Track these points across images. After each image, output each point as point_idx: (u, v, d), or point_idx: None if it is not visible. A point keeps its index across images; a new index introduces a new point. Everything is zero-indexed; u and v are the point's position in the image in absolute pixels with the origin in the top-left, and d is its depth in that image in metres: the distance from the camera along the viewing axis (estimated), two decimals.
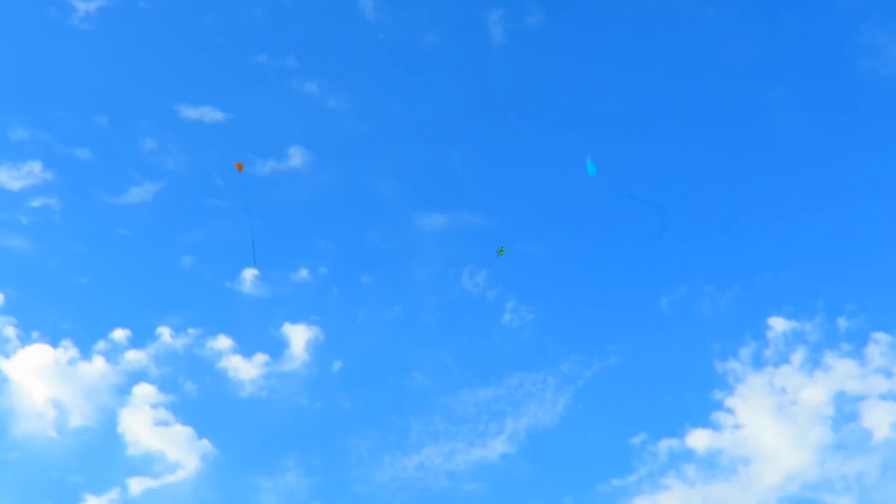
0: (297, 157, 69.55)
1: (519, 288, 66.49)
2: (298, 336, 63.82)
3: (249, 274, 65.68)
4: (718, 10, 73.38)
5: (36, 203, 66.37)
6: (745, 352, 62.31)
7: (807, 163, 70.08)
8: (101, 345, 62.51)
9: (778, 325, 62.63)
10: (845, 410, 59.54)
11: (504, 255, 64.81)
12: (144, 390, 61.24)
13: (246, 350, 63.41)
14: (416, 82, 73.81)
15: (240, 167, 55.27)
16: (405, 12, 74.33)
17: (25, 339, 62.18)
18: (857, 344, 61.58)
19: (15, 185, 66.33)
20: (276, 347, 63.77)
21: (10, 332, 62.19)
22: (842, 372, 60.69)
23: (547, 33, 73.88)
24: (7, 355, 61.61)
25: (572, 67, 74.06)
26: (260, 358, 63.13)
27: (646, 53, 73.76)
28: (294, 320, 64.55)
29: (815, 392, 60.08)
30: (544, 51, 74.16)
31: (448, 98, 73.53)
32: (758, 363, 61.96)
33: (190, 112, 69.89)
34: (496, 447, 60.59)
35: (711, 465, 59.01)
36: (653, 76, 72.89)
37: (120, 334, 62.82)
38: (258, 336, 64.50)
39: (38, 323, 63.05)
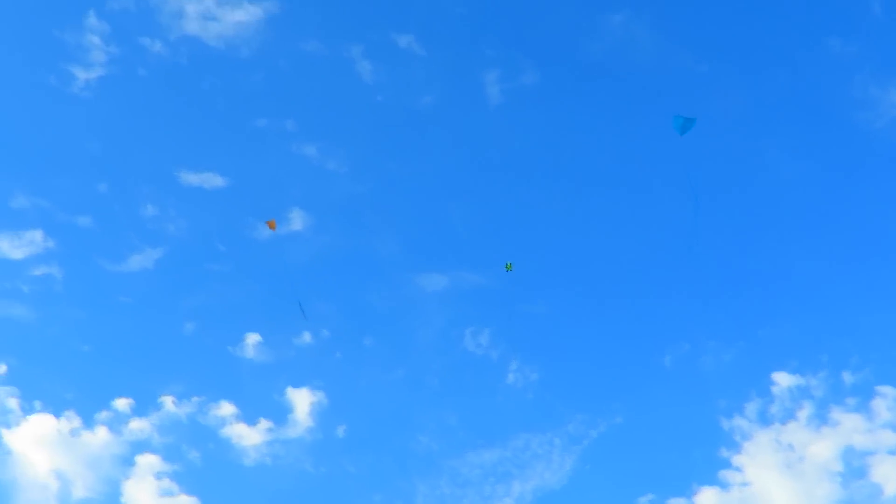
0: (297, 220, 69.85)
1: (522, 348, 66.44)
2: (302, 401, 63.72)
3: (252, 339, 65.67)
4: (711, 66, 74.15)
5: (37, 272, 66.48)
6: (751, 408, 62.25)
7: (806, 216, 70.51)
8: (103, 414, 62.41)
9: (783, 380, 62.59)
10: (854, 466, 59.43)
11: (506, 316, 65.15)
12: (148, 460, 61.05)
13: (249, 417, 63.29)
14: (415, 143, 74.38)
15: (272, 225, 55.30)
16: (402, 74, 74.87)
17: (28, 410, 62.04)
18: (863, 398, 61.59)
19: (17, 253, 66.47)
20: (280, 413, 63.64)
21: (13, 402, 62.05)
22: (849, 427, 60.62)
23: (543, 92, 74.49)
24: (10, 426, 61.42)
25: (569, 125, 74.74)
26: (264, 424, 62.99)
27: (640, 110, 74.32)
28: (297, 385, 64.51)
29: (823, 448, 59.99)
30: (541, 109, 74.84)
31: (446, 158, 74.08)
32: (764, 420, 61.92)
33: (190, 177, 70.24)
34: None
35: None
36: (648, 133, 73.28)
37: (123, 403, 62.70)
38: (262, 402, 64.40)
39: (41, 393, 62.91)
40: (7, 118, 71.65)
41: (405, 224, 72.17)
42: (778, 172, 71.71)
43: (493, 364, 65.60)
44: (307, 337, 66.09)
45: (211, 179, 70.18)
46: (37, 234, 67.03)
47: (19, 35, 72.83)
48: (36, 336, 65.52)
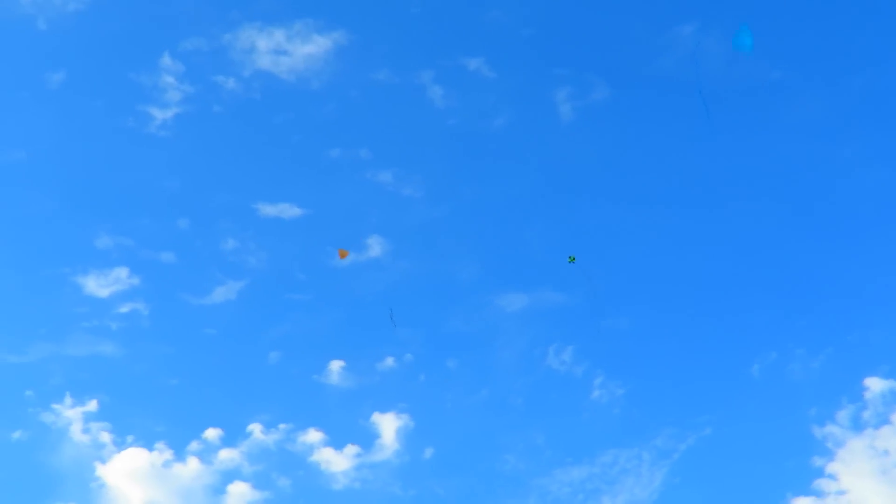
0: (375, 246, 70.25)
1: (606, 363, 65.98)
2: (388, 425, 63.93)
3: (336, 366, 66.05)
4: (784, 73, 73.35)
5: (124, 308, 67.68)
6: (843, 415, 61.13)
7: (888, 219, 69.22)
8: (194, 445, 63.17)
9: (875, 385, 61.40)
10: None
11: (589, 332, 64.86)
12: (239, 489, 61.57)
13: (337, 442, 63.59)
14: (488, 165, 74.44)
15: (343, 255, 56.07)
16: (473, 97, 75.19)
17: (120, 444, 63.05)
18: None
19: (103, 292, 67.79)
20: (367, 438, 63.88)
21: (105, 437, 63.13)
22: None
23: (615, 107, 74.28)
24: (103, 461, 62.45)
25: (643, 139, 74.24)
26: (351, 449, 63.25)
27: (714, 119, 73.58)
28: (383, 409, 64.69)
29: None
30: (613, 124, 74.56)
31: (521, 178, 73.96)
32: (857, 426, 60.75)
33: (268, 209, 71.11)
34: None
35: None
36: (723, 144, 72.71)
37: (212, 434, 63.41)
38: (348, 427, 64.58)
39: (132, 427, 63.84)
40: (89, 161, 73.37)
41: (483, 246, 72.38)
42: (861, 177, 70.83)
43: (578, 381, 65.39)
44: (390, 361, 66.49)
45: (288, 210, 71.19)
46: (122, 272, 68.50)
47: (97, 79, 74.67)
48: (125, 371, 66.58)
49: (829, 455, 59.85)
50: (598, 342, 65.38)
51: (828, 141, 71.98)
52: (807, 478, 59.67)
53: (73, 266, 68.59)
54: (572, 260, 55.10)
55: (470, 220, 73.21)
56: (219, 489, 61.78)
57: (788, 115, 72.63)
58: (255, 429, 63.63)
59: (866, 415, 60.67)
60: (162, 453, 62.68)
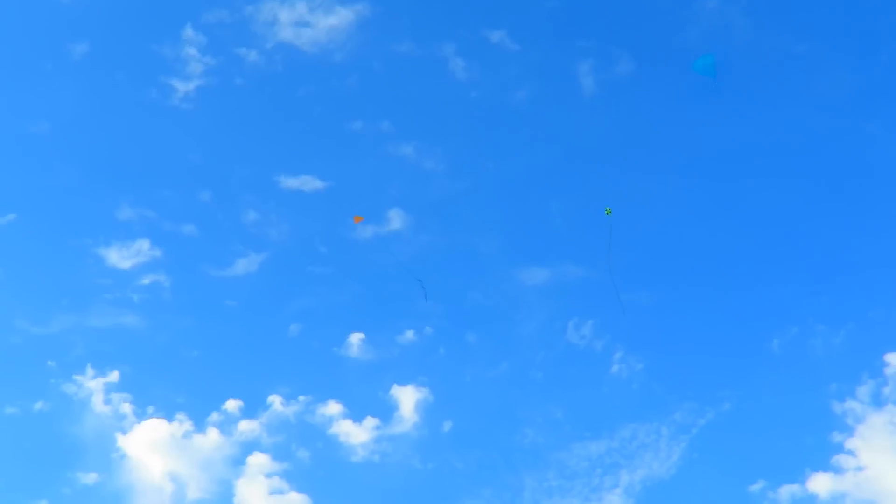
0: (396, 219, 70.32)
1: (626, 338, 65.83)
2: (407, 398, 64.09)
3: (356, 338, 66.24)
4: (810, 46, 72.71)
5: (146, 280, 68.15)
6: (863, 391, 60.82)
7: None
8: (214, 416, 63.61)
9: None
10: None
11: (610, 306, 64.72)
12: (258, 460, 61.94)
13: (356, 414, 63.86)
14: (510, 138, 74.30)
15: (358, 220, 56.59)
16: (495, 70, 75.06)
17: (141, 415, 63.51)
18: None
19: (125, 264, 68.24)
20: (386, 410, 64.11)
21: (127, 408, 63.64)
22: None
23: (638, 80, 73.94)
24: (125, 431, 63.01)
25: (666, 113, 73.90)
26: (370, 422, 63.48)
27: (738, 94, 73.15)
28: (402, 382, 64.87)
29: None
30: (636, 98, 74.24)
31: (543, 151, 73.84)
32: (877, 402, 60.45)
33: (290, 182, 71.30)
34: (612, 501, 59.82)
35: None
36: (748, 117, 72.26)
37: (232, 405, 63.77)
38: (368, 400, 64.86)
39: (153, 398, 64.36)
40: (111, 133, 73.88)
41: (504, 219, 72.36)
42: (886, 152, 70.15)
43: (598, 355, 65.38)
44: (410, 334, 66.64)
45: (310, 183, 71.33)
46: (144, 244, 68.89)
47: (120, 51, 75.42)
48: (146, 343, 67.17)
49: (849, 431, 59.77)
50: (618, 317, 65.30)
51: (852, 115, 71.55)
52: (826, 453, 59.69)
53: (96, 238, 69.29)
54: (609, 212, 55.10)
55: (491, 193, 73.33)
56: (238, 460, 62.36)
57: (813, 88, 72.30)
58: (275, 400, 64.10)
59: (887, 391, 60.47)
60: (182, 424, 63.27)
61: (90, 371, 64.37)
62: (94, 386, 63.89)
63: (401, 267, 65.31)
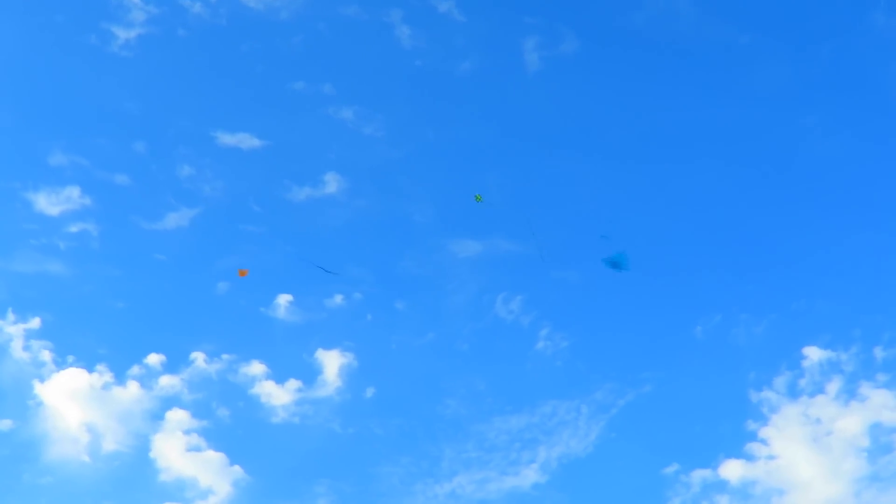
0: (332, 183, 69.90)
1: (553, 315, 66.27)
2: (332, 362, 64.09)
3: (283, 300, 66.04)
4: (753, 37, 73.10)
5: (74, 228, 67.17)
6: (780, 381, 61.83)
7: (844, 190, 69.61)
8: (135, 370, 63.11)
9: (814, 354, 62.09)
10: (881, 442, 58.83)
11: (538, 282, 65.14)
12: (177, 416, 61.70)
13: (279, 376, 63.74)
14: (451, 109, 74.07)
15: (243, 273, 56.30)
16: (440, 40, 74.49)
17: (61, 364, 62.91)
18: (894, 374, 60.90)
19: (54, 210, 67.18)
20: (310, 373, 64.07)
21: (46, 356, 62.93)
22: (878, 402, 59.98)
23: (582, 60, 73.73)
24: (42, 379, 62.36)
25: (608, 95, 73.95)
26: (293, 384, 63.42)
27: (680, 80, 73.66)
28: (328, 346, 64.78)
29: (851, 423, 59.43)
30: (579, 78, 74.00)
31: (483, 125, 73.75)
32: (793, 393, 61.42)
33: (227, 138, 70.45)
34: (528, 476, 60.42)
35: (745, 496, 58.51)
36: (687, 104, 72.72)
37: (154, 359, 63.35)
38: (292, 362, 64.75)
39: (74, 347, 63.75)
40: (47, 76, 72.32)
41: (440, 190, 72.08)
42: (816, 145, 70.82)
43: (524, 331, 65.70)
44: (339, 299, 66.59)
45: (247, 141, 70.53)
46: (74, 192, 67.83)
47: None
48: (71, 291, 66.42)
49: (763, 420, 60.76)
50: (547, 293, 65.86)
51: (791, 108, 72.18)
52: (740, 441, 60.53)
53: (24, 182, 68.05)
54: (479, 199, 55.12)
55: (429, 163, 73.15)
56: (157, 415, 62.09)
57: (754, 79, 72.62)
58: (198, 357, 63.75)
59: (802, 383, 61.55)
60: (102, 375, 62.79)
61: (11, 316, 63.67)
62: (13, 331, 63.22)
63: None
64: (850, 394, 60.43)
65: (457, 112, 74.00)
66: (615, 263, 50.51)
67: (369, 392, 63.76)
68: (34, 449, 60.24)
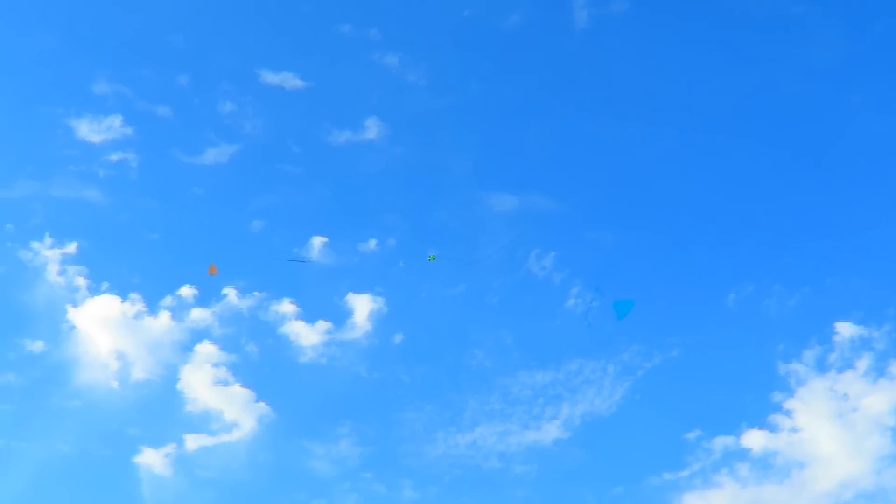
0: (372, 128, 69.89)
1: (585, 274, 66.16)
2: (362, 306, 64.33)
3: (318, 241, 66.24)
4: (807, 8, 72.28)
5: (114, 157, 67.59)
6: (809, 355, 61.55)
7: (887, 169, 68.88)
8: (167, 300, 63.72)
9: (845, 330, 61.68)
10: None
11: (573, 241, 65.03)
12: (207, 349, 62.28)
13: (309, 316, 64.11)
14: (497, 62, 73.76)
15: (213, 271, 56.11)
16: None
17: (95, 290, 63.59)
18: None
19: (95, 138, 67.55)
20: (340, 316, 64.36)
21: (81, 281, 63.62)
22: None
23: (632, 20, 73.17)
24: (76, 304, 63.11)
25: (656, 57, 73.44)
26: (322, 325, 63.76)
27: (729, 49, 72.92)
28: (359, 290, 64.99)
29: (878, 401, 59.10)
30: (628, 38, 73.51)
31: (527, 79, 73.35)
32: (821, 367, 61.11)
33: (270, 77, 70.49)
34: (550, 431, 60.65)
35: (765, 465, 58.54)
36: (734, 72, 71.99)
37: (187, 291, 63.83)
38: (322, 303, 65.08)
39: (108, 275, 64.44)
40: (95, 4, 72.70)
41: (479, 141, 72.13)
42: (865, 124, 70.05)
43: (555, 288, 65.63)
44: (372, 244, 66.68)
45: (290, 81, 70.53)
46: (116, 121, 68.15)
47: None
48: (107, 219, 67.14)
49: (789, 392, 60.49)
50: (580, 252, 65.80)
51: (838, 83, 71.33)
52: (764, 411, 60.39)
53: (67, 108, 68.63)
54: (432, 258, 55.42)
55: (470, 114, 73.04)
56: (187, 346, 62.69)
57: (804, 51, 71.87)
58: (230, 292, 64.20)
59: (832, 357, 61.21)
60: (135, 304, 63.40)
61: (48, 240, 64.37)
62: (50, 255, 63.88)
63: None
64: (879, 372, 60.20)
65: (502, 65, 73.91)
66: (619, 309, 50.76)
67: (397, 338, 64.19)
68: (64, 372, 61.20)
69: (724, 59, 72.67)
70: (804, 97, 71.12)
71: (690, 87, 72.77)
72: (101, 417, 60.04)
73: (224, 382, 61.12)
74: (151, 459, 58.30)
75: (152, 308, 63.26)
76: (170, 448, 58.81)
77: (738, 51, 72.70)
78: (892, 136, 69.26)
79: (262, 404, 60.72)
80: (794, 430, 59.23)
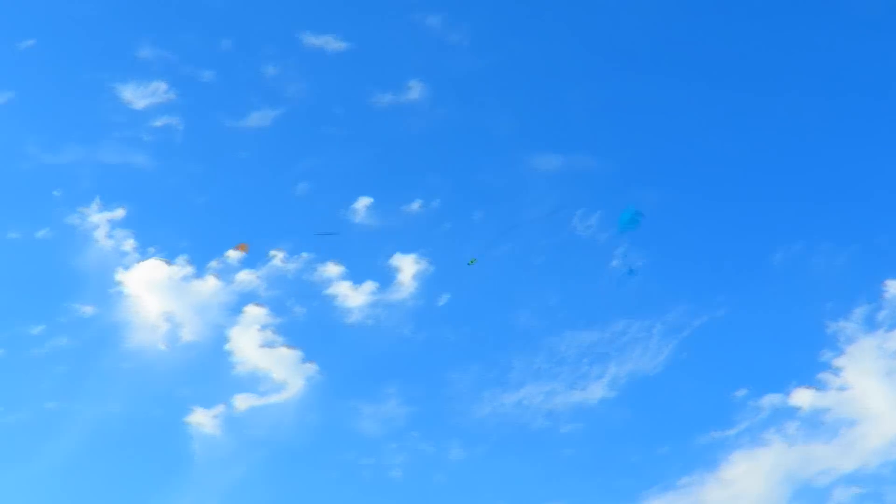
0: (415, 90, 69.64)
1: (631, 234, 65.66)
2: (407, 267, 64.45)
3: (363, 203, 66.28)
4: None
5: (159, 122, 67.88)
6: (858, 313, 60.96)
7: None
8: (214, 263, 64.18)
9: (894, 288, 61.11)
10: None
11: (617, 200, 64.73)
12: (254, 311, 62.68)
13: (355, 277, 64.31)
14: (540, 21, 73.13)
15: (243, 248, 56.15)
16: None
17: (143, 254, 64.18)
18: None
19: (140, 103, 67.80)
20: (385, 277, 64.51)
21: (129, 245, 64.22)
22: None
23: None
24: (125, 268, 63.69)
25: (702, 17, 72.77)
26: (368, 286, 63.97)
27: (780, 6, 72.11)
28: (404, 251, 65.10)
29: None
30: (678, 2, 72.97)
31: (571, 39, 72.83)
32: (870, 325, 60.58)
33: (313, 39, 70.39)
34: (596, 391, 60.60)
35: (814, 424, 58.18)
36: (782, 30, 71.17)
37: (233, 255, 64.04)
38: (368, 265, 65.26)
39: (156, 238, 64.97)
40: None
41: (524, 102, 71.73)
42: None
43: (600, 247, 65.28)
44: (417, 205, 66.67)
45: (333, 43, 70.40)
46: (161, 86, 68.33)
47: None
48: (155, 184, 67.55)
49: (838, 350, 60.06)
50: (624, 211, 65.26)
51: (889, 36, 70.31)
52: (812, 369, 59.98)
53: (113, 73, 68.86)
54: (473, 262, 55.04)
55: (514, 74, 72.50)
56: (234, 309, 63.16)
57: (854, 5, 70.82)
58: (276, 255, 64.51)
59: (881, 315, 60.67)
60: (182, 267, 63.94)
61: (96, 205, 64.90)
62: (99, 220, 64.48)
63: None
64: None
65: (545, 25, 73.24)
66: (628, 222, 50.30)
67: (443, 299, 64.28)
68: (115, 335, 61.83)
69: (771, 14, 71.94)
70: (855, 50, 70.35)
71: (737, 43, 72.15)
72: (152, 379, 60.86)
73: (272, 344, 61.72)
74: (202, 420, 59.06)
75: (200, 271, 64.00)
76: (219, 409, 59.53)
77: (789, 8, 72.06)
78: None
79: (310, 365, 61.31)
80: (844, 387, 58.93)
